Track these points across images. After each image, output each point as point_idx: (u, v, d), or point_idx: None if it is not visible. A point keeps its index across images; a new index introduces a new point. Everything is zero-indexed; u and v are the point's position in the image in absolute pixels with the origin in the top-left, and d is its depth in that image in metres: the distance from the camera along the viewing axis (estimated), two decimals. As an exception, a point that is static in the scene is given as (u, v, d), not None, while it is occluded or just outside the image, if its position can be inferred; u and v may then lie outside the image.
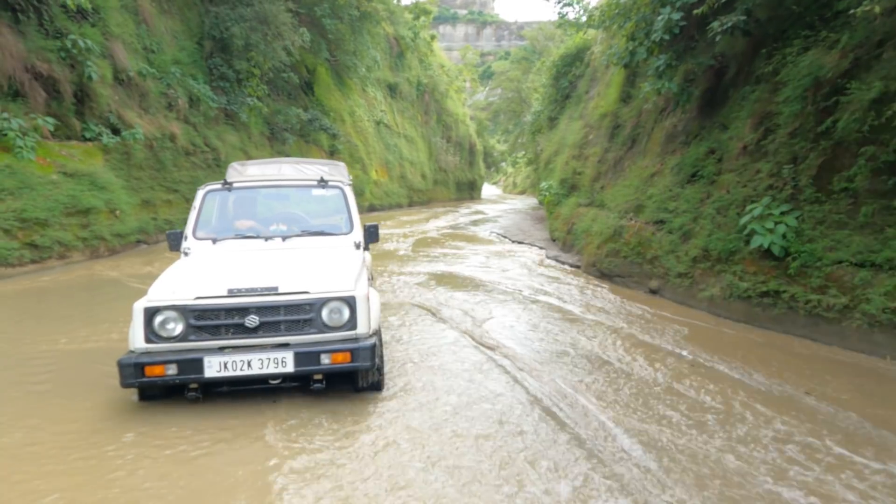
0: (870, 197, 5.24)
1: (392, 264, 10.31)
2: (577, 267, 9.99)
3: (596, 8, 11.13)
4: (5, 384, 4.19)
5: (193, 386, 3.71)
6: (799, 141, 5.87)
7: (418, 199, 34.51)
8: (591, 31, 15.81)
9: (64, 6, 10.65)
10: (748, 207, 6.16)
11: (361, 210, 24.23)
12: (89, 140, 11.01)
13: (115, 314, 5.96)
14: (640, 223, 8.41)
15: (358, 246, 4.83)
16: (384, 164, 29.82)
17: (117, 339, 5.18)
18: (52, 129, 9.98)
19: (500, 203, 37.92)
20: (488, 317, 6.47)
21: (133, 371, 3.51)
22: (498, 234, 16.26)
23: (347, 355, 3.67)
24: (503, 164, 62.45)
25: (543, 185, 14.86)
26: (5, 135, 9.05)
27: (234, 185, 5.05)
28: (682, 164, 7.88)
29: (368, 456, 3.21)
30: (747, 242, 6.11)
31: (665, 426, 3.66)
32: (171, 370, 3.54)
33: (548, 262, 10.92)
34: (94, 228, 9.99)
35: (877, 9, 4.56)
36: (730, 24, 6.18)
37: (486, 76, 58.64)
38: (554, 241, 13.28)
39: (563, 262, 10.65)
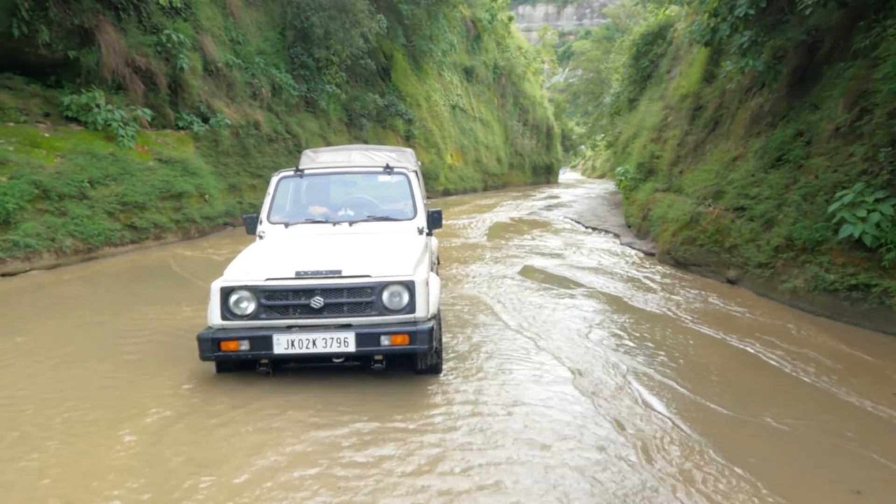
0: (980, 183, 4.74)
1: (461, 252, 10.41)
2: (652, 255, 9.67)
3: (678, -17, 10.56)
4: (102, 353, 4.64)
5: (264, 361, 3.96)
6: (899, 122, 5.38)
7: (493, 183, 34.38)
8: (674, 8, 15.07)
9: (159, 3, 11.40)
10: (838, 194, 5.73)
11: (436, 195, 24.58)
12: (182, 128, 11.80)
13: (202, 293, 6.41)
14: (718, 210, 8.02)
15: (421, 231, 4.93)
16: (459, 149, 29.89)
17: (201, 317, 5.59)
18: (149, 118, 10.78)
19: (577, 188, 37.11)
20: (540, 307, 6.42)
21: (210, 345, 3.79)
22: (571, 219, 15.97)
23: (406, 338, 3.79)
24: (582, 147, 60.87)
25: (619, 169, 14.41)
26: (109, 125, 9.87)
27: (306, 171, 5.28)
28: (767, 148, 7.42)
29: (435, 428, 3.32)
30: (836, 231, 5.70)
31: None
32: (244, 346, 3.79)
33: (620, 249, 10.63)
34: (185, 211, 10.73)
35: None
36: (823, -4, 5.72)
37: (566, 57, 57.07)
38: (629, 227, 12.89)
39: (636, 250, 10.34)
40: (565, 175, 60.98)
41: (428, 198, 21.25)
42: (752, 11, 6.68)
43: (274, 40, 15.87)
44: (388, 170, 5.24)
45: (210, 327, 3.90)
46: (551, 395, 3.92)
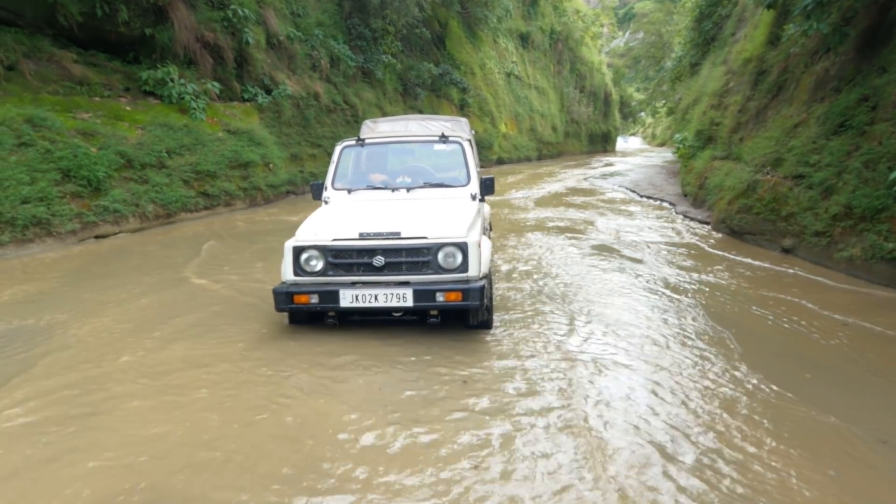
0: None
1: (513, 225, 10.59)
2: (707, 223, 9.60)
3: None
4: (191, 307, 5.20)
5: (331, 314, 4.39)
6: (969, 85, 5.18)
7: (548, 152, 34.05)
8: (742, -34, 14.36)
9: (225, -21, 11.89)
10: (900, 161, 5.61)
11: (489, 164, 24.58)
12: (247, 100, 12.40)
13: (275, 255, 6.94)
14: (776, 177, 7.88)
15: (474, 197, 5.20)
16: (514, 117, 29.70)
17: (272, 278, 6.10)
18: (217, 91, 11.39)
19: (635, 156, 36.22)
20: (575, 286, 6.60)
21: (284, 298, 4.24)
22: (626, 188, 15.82)
23: (459, 294, 4.11)
24: (642, 114, 58.94)
25: (677, 136, 14.12)
26: (183, 98, 10.53)
27: (366, 141, 5.62)
28: (830, 113, 7.22)
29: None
30: (896, 199, 5.60)
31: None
32: (314, 299, 4.22)
33: (673, 217, 10.57)
34: (252, 180, 11.37)
35: None
36: (893, -46, 5.49)
37: (628, 19, 54.91)
38: (685, 196, 12.71)
39: (691, 219, 10.27)
40: (627, 143, 59.30)
41: (482, 166, 21.40)
42: (817, -29, 6.46)
43: (332, 12, 16.21)
44: (444, 139, 5.51)
45: (284, 282, 4.34)
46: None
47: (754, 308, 5.19)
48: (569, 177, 20.37)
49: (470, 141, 5.86)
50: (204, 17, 11.36)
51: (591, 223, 10.00)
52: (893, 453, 2.82)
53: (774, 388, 3.53)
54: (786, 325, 4.73)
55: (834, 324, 4.74)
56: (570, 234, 8.87)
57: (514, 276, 6.34)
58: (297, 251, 4.28)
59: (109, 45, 10.26)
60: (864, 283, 5.87)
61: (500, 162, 26.64)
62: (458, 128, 6.39)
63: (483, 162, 24.60)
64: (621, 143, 60.26)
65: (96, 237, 7.95)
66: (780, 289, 5.80)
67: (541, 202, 13.06)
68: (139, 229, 8.62)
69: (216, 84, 11.36)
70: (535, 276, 6.28)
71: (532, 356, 4.04)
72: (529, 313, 4.98)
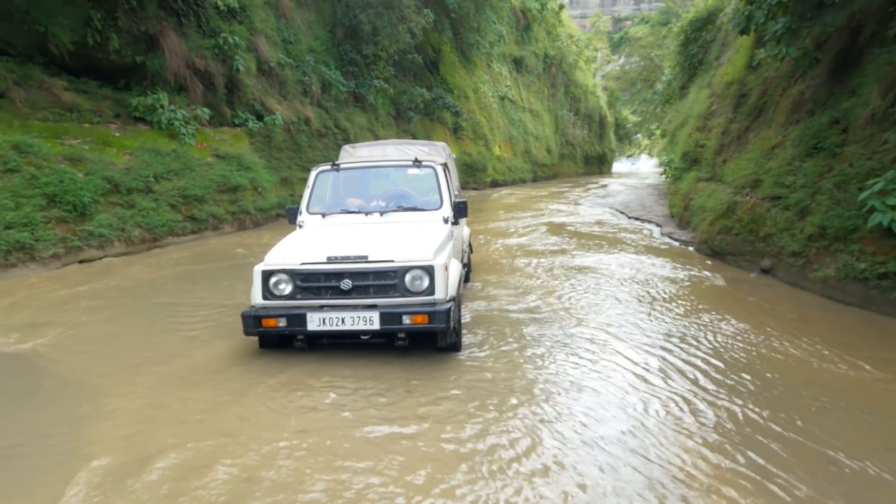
0: None
1: (490, 245, 10.65)
2: (690, 245, 9.66)
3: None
4: (163, 330, 5.23)
5: (300, 337, 4.42)
6: (931, 108, 5.29)
7: (543, 174, 34.28)
8: (725, -8, 14.68)
9: (216, 7, 12.13)
10: (869, 182, 5.68)
11: (483, 186, 24.69)
12: (237, 126, 12.56)
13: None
14: (755, 199, 7.96)
15: (447, 220, 5.26)
16: (508, 140, 29.97)
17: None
18: (208, 117, 11.54)
19: (629, 178, 36.44)
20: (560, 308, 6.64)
21: (253, 322, 4.27)
22: (616, 210, 15.91)
23: (425, 317, 4.14)
24: (637, 135, 59.44)
25: (664, 158, 14.27)
26: (172, 124, 10.67)
27: (342, 166, 5.71)
28: (804, 136, 7.32)
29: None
30: (867, 220, 5.66)
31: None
32: (282, 322, 4.25)
33: (659, 239, 10.64)
34: (241, 204, 11.46)
35: None
36: (855, -18, 5.64)
37: (622, 43, 55.72)
38: (672, 217, 12.80)
39: (676, 240, 10.33)
40: (636, 165, 59.31)
41: (475, 188, 21.43)
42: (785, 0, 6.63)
43: (324, 38, 16.50)
44: (417, 163, 5.59)
45: (253, 306, 4.38)
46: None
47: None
48: (560, 198, 20.48)
49: (446, 165, 5.94)
50: (195, 45, 11.57)
51: (574, 245, 10.05)
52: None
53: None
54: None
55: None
56: (550, 255, 8.91)
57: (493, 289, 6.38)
58: (266, 275, 4.33)
59: (101, 72, 10.44)
60: (836, 303, 5.90)
61: (495, 184, 26.81)
62: (435, 152, 6.49)
63: (477, 184, 24.83)
64: (629, 164, 60.53)
65: (80, 262, 7.99)
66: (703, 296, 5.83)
67: (525, 225, 13.14)
68: (125, 254, 8.67)
69: (206, 110, 11.52)
70: (517, 284, 6.32)
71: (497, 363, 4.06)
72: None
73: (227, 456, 3.03)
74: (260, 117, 13.02)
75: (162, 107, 10.62)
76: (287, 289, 4.32)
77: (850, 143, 6.47)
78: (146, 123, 10.57)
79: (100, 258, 8.30)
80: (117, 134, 9.87)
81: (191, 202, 10.22)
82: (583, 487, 2.74)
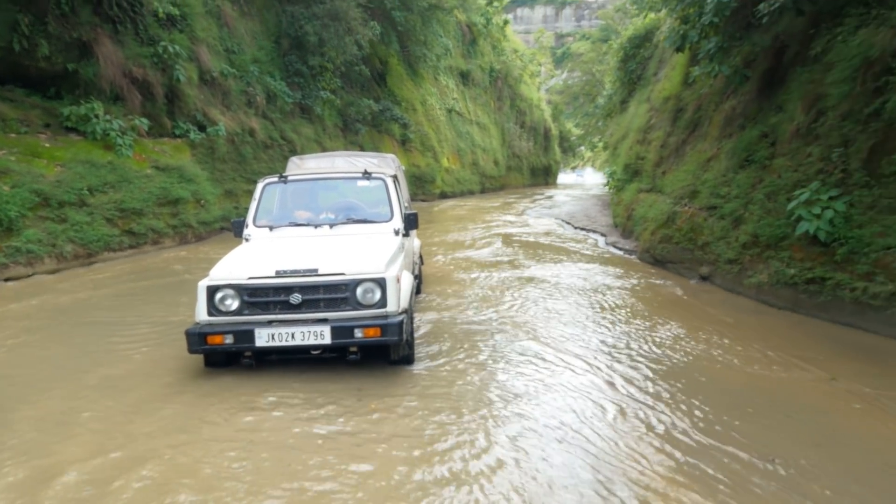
0: (921, 181, 5.05)
1: (437, 254, 10.69)
2: (633, 253, 9.97)
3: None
4: (99, 351, 4.97)
5: (247, 354, 4.28)
6: (849, 123, 5.68)
7: (491, 185, 34.72)
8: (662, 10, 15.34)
9: (156, 15, 11.76)
10: (796, 192, 6.04)
11: (432, 197, 24.75)
12: (178, 137, 12.16)
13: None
14: (693, 209, 8.32)
15: (397, 232, 5.25)
16: (456, 152, 30.23)
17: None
18: (146, 128, 11.12)
19: (574, 189, 37.40)
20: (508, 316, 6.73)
21: (197, 339, 4.11)
22: (563, 220, 16.27)
23: (378, 330, 4.10)
24: (581, 148, 61.09)
25: (607, 170, 14.72)
26: (108, 134, 10.22)
27: (289, 178, 5.61)
28: (736, 149, 7.73)
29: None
30: (795, 228, 6.00)
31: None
32: (229, 339, 4.11)
33: (603, 248, 10.94)
34: (182, 217, 11.07)
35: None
36: (778, 4, 6.03)
37: (565, 58, 57.41)
38: (616, 227, 13.20)
39: (620, 249, 10.65)
40: (583, 177, 60.67)
41: (424, 200, 21.44)
42: (716, 20, 6.99)
43: (268, 49, 16.24)
44: (367, 175, 5.56)
45: (197, 323, 4.22)
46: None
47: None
48: (509, 209, 20.78)
49: (395, 177, 5.93)
50: (132, 53, 11.15)
51: (523, 255, 10.21)
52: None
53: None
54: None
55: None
56: (500, 266, 9.02)
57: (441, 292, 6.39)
58: (211, 290, 4.19)
59: (28, 80, 9.90)
60: (769, 308, 6.22)
61: (444, 196, 26.95)
62: (385, 164, 6.47)
63: (426, 196, 24.90)
64: (575, 176, 61.96)
65: (6, 280, 7.51)
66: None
67: (477, 236, 13.26)
68: (56, 270, 8.20)
69: (145, 120, 11.10)
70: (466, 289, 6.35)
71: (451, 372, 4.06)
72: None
73: (161, 480, 2.89)
74: (202, 128, 12.65)
75: (97, 116, 10.16)
76: (234, 304, 4.19)
77: (778, 156, 6.87)
78: (79, 134, 10.08)
79: (28, 276, 7.82)
80: (47, 145, 9.38)
81: (128, 216, 9.79)
82: (534, 479, 2.77)
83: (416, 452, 3.17)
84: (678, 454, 3.16)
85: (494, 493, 2.78)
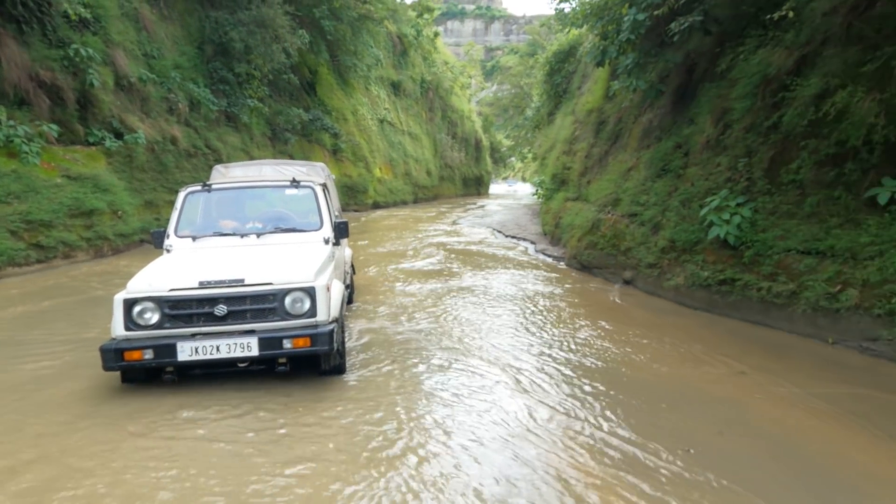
0: (814, 188, 5.51)
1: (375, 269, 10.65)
2: (561, 260, 10.29)
3: (578, 5, 11.38)
4: (6, 373, 4.61)
5: (169, 369, 4.10)
6: (752, 135, 6.14)
7: (423, 195, 34.88)
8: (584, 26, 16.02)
9: (66, 16, 11.11)
10: (707, 199, 6.44)
11: (365, 207, 24.56)
12: (92, 144, 11.49)
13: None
14: (616, 216, 8.70)
15: (327, 241, 5.18)
16: (388, 162, 30.19)
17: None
18: (56, 134, 10.44)
19: (506, 199, 38.18)
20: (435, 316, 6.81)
21: (113, 356, 3.89)
22: (494, 229, 16.56)
23: (307, 340, 4.02)
24: (511, 159, 62.52)
25: (536, 180, 15.14)
26: (11, 141, 9.52)
27: (213, 186, 5.43)
28: (653, 159, 8.16)
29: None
30: (707, 233, 6.39)
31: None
32: (148, 355, 3.92)
33: (533, 255, 11.22)
34: (97, 229, 10.45)
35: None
36: (687, 24, 6.45)
37: (494, 71, 58.75)
38: (545, 234, 13.57)
39: (549, 256, 10.96)
40: (513, 187, 61.76)
41: (357, 210, 21.22)
42: (632, 37, 7.39)
43: (191, 55, 15.69)
44: (295, 183, 5.47)
45: (114, 338, 4.00)
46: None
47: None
48: (442, 218, 20.94)
49: (325, 185, 5.86)
50: (39, 55, 10.48)
51: (456, 264, 10.32)
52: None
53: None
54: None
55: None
56: (433, 275, 9.08)
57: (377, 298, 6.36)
58: (129, 304, 3.99)
59: (-81, 81, 9.12)
60: (686, 308, 6.59)
61: (377, 206, 26.83)
62: (314, 172, 6.39)
63: (358, 206, 24.70)
64: (507, 186, 63.05)
65: None
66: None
67: (410, 246, 13.29)
68: (-49, 288, 7.55)
69: (54, 126, 10.42)
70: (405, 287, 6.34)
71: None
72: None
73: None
74: (119, 136, 12.01)
75: (-1, 122, 9.47)
76: (153, 318, 4.01)
77: (691, 166, 7.31)
78: (-21, 140, 9.36)
79: (-82, 294, 7.16)
80: (-59, 152, 8.64)
81: (36, 228, 9.14)
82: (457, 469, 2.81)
83: (344, 457, 3.14)
84: (605, 448, 3.28)
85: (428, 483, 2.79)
